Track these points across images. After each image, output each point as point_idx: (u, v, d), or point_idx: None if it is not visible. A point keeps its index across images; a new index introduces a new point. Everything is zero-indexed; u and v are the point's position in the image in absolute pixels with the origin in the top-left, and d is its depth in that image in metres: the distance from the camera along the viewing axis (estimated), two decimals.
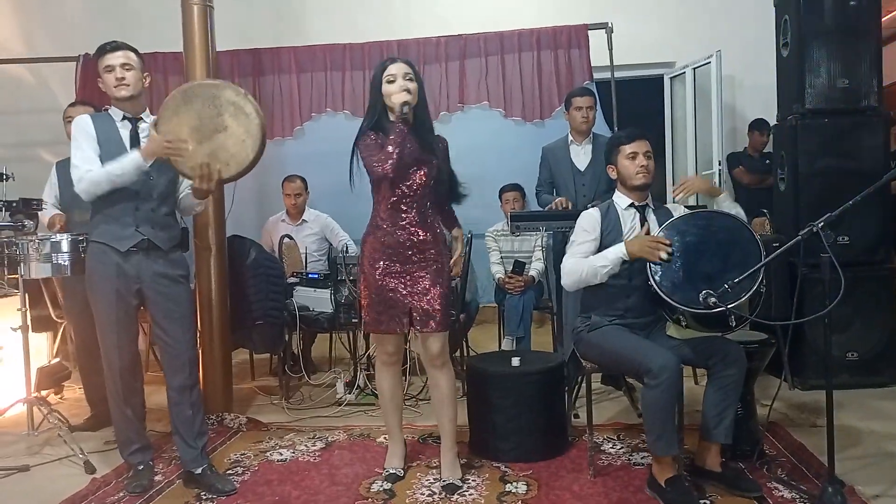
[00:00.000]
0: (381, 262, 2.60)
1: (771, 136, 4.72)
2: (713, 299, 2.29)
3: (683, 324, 2.57)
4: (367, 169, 2.56)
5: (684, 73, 5.85)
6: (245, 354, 4.44)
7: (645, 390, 2.43)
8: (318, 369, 4.51)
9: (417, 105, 2.55)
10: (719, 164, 5.46)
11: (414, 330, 2.61)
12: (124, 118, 2.66)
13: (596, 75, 5.08)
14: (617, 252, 2.54)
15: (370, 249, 2.64)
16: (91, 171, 2.54)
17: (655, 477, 2.48)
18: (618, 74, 5.05)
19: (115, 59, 2.59)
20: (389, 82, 2.54)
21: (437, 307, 2.59)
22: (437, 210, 2.72)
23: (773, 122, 4.34)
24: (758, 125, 5.59)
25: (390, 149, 2.46)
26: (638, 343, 2.53)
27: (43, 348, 4.22)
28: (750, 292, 2.34)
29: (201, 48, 3.58)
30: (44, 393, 3.84)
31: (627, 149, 2.66)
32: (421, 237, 2.61)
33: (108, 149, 2.58)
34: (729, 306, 2.29)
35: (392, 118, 2.52)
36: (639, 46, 5.74)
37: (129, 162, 2.52)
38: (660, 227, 2.60)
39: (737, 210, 2.63)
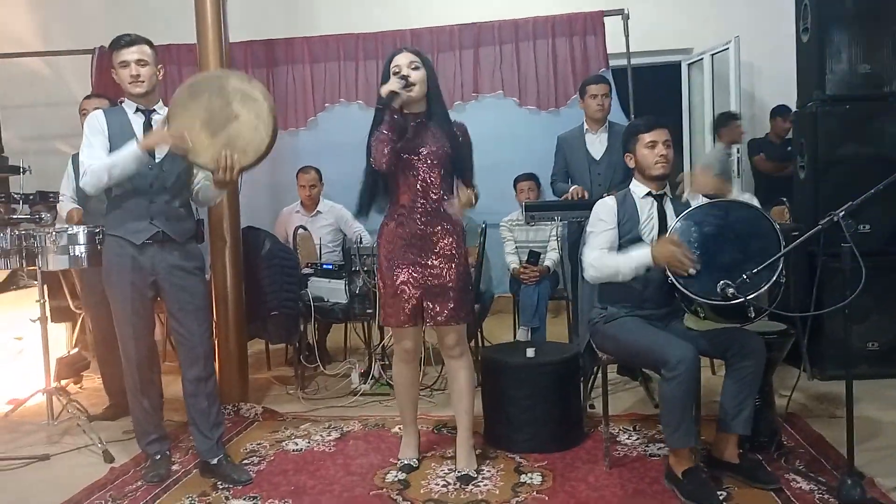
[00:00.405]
0: (397, 254, 2.59)
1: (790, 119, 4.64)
2: (731, 290, 2.26)
3: (701, 315, 2.54)
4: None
5: (702, 59, 5.78)
6: (261, 345, 4.46)
7: (662, 383, 2.40)
8: (334, 359, 4.53)
9: (429, 92, 2.53)
10: (738, 152, 5.39)
11: (431, 322, 2.60)
12: (137, 110, 2.66)
13: (612, 62, 5.02)
14: (642, 259, 2.48)
15: (385, 241, 2.63)
16: (93, 164, 2.55)
17: (672, 468, 2.46)
18: (634, 61, 4.99)
19: (130, 54, 2.59)
20: (395, 73, 2.52)
21: (454, 298, 2.58)
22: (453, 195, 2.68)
23: (793, 109, 4.27)
24: (780, 111, 5.50)
25: (385, 142, 2.44)
26: (655, 335, 2.50)
27: (62, 338, 4.27)
28: (769, 283, 2.30)
29: (214, 40, 3.58)
30: (63, 383, 3.90)
31: (647, 137, 2.61)
32: (436, 227, 2.59)
33: (122, 142, 2.58)
34: (747, 297, 2.25)
35: (405, 111, 2.50)
36: (655, 33, 5.67)
37: (126, 152, 2.52)
38: (677, 217, 2.56)
39: (753, 201, 2.59)
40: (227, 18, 3.62)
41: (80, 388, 4.14)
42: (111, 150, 2.58)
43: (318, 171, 4.63)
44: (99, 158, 2.56)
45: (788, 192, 4.20)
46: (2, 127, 5.29)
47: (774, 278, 2.31)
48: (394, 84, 2.46)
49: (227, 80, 2.56)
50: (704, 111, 5.81)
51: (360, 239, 4.17)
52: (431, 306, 2.58)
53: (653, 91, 5.74)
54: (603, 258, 2.57)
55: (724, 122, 5.24)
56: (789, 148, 5.25)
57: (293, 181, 4.76)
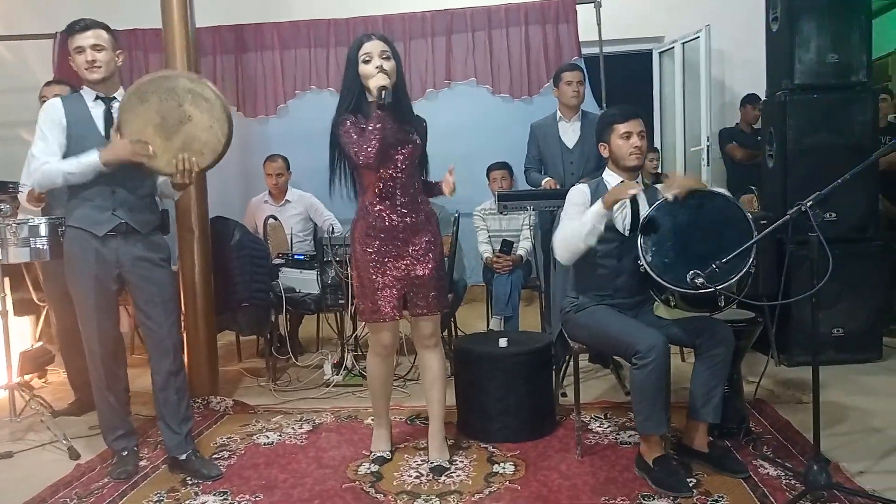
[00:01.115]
0: (373, 248, 2.55)
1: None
2: (700, 280, 2.26)
3: (672, 304, 2.55)
4: (348, 157, 2.50)
5: (673, 48, 5.80)
6: (231, 336, 4.41)
7: (633, 371, 2.42)
8: (306, 350, 4.49)
9: (396, 84, 2.47)
10: (707, 141, 5.43)
11: (408, 314, 2.57)
12: (97, 98, 2.58)
13: (584, 50, 5.02)
14: (594, 209, 2.48)
15: (360, 236, 2.58)
16: (48, 163, 2.47)
17: (643, 456, 2.48)
18: (606, 49, 5.00)
19: (86, 39, 2.50)
20: (365, 62, 2.46)
21: (431, 289, 2.56)
22: (424, 189, 2.66)
23: (762, 97, 4.30)
24: (750, 99, 5.54)
25: (371, 137, 2.38)
26: (626, 323, 2.51)
27: (26, 332, 4.16)
28: (739, 273, 2.31)
29: (181, 25, 3.50)
30: (27, 377, 3.81)
31: (622, 128, 2.60)
32: (412, 219, 2.56)
33: (80, 131, 2.51)
34: (717, 287, 2.27)
35: (370, 100, 2.45)
36: (627, 21, 5.68)
37: (87, 163, 2.44)
38: (650, 206, 2.57)
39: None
40: (193, 2, 3.54)
41: (45, 382, 4.06)
42: (70, 139, 2.51)
43: (285, 159, 4.56)
44: (53, 155, 2.48)
45: (758, 181, 4.25)
46: None
47: (745, 268, 2.33)
48: (382, 79, 2.39)
49: (175, 80, 2.48)
50: (675, 99, 5.84)
51: (332, 228, 4.13)
52: (412, 299, 2.56)
53: (624, 79, 5.76)
54: (563, 230, 2.56)
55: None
56: (759, 137, 5.32)
57: (263, 169, 4.69)
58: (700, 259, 2.36)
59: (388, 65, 2.45)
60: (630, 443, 2.77)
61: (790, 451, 2.63)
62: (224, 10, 5.37)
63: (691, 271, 2.30)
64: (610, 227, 2.58)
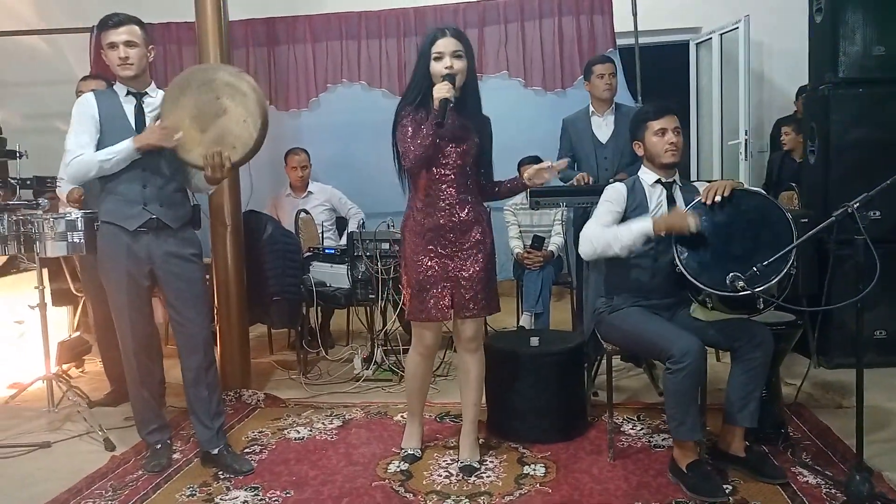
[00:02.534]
0: (423, 247, 2.52)
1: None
2: (741, 283, 2.20)
3: (709, 305, 2.49)
4: (397, 152, 2.51)
5: (711, 39, 5.66)
6: (263, 328, 4.44)
7: (667, 375, 2.37)
8: (336, 343, 4.51)
9: (466, 82, 2.44)
10: (746, 135, 5.30)
11: (455, 315, 2.53)
12: (129, 93, 2.60)
13: (619, 42, 4.92)
14: (642, 227, 2.42)
15: (410, 234, 2.55)
16: (82, 155, 2.49)
17: (677, 461, 2.44)
18: (642, 41, 4.89)
19: (118, 35, 2.50)
20: (437, 59, 2.41)
21: (479, 290, 2.52)
22: (480, 189, 2.61)
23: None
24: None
25: (422, 141, 2.37)
26: (660, 326, 2.46)
27: (64, 322, 4.24)
28: (780, 275, 2.25)
29: (214, 18, 3.51)
30: (65, 367, 3.88)
31: (656, 125, 2.55)
32: (462, 218, 2.51)
33: (112, 126, 2.53)
34: (757, 290, 2.20)
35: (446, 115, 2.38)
36: (664, 11, 5.56)
37: (121, 150, 2.47)
38: (687, 205, 2.51)
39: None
40: None
41: (82, 371, 4.13)
42: (102, 134, 2.53)
43: (306, 151, 4.59)
44: (86, 147, 2.50)
45: (797, 178, 4.14)
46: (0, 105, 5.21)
47: (785, 270, 2.26)
48: (445, 90, 2.34)
49: (215, 73, 2.51)
50: (712, 92, 5.71)
51: (363, 223, 4.13)
52: (461, 300, 2.52)
53: (660, 71, 5.64)
54: (598, 230, 2.51)
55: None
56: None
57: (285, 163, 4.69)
58: (736, 260, 2.30)
59: (459, 64, 2.41)
60: (663, 446, 2.73)
61: (830, 458, 2.57)
62: (256, 3, 5.38)
63: (731, 273, 2.25)
64: None
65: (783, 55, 5.56)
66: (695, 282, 2.35)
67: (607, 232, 2.49)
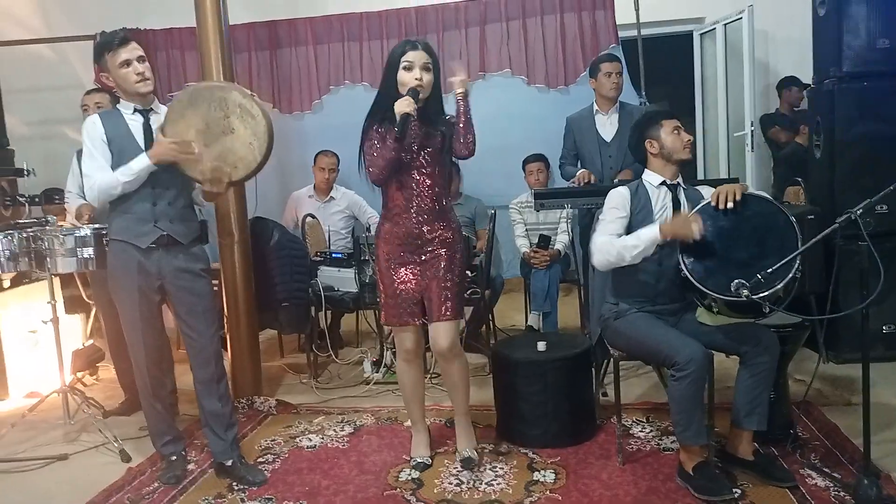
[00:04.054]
0: (394, 254, 2.59)
1: (805, 94, 4.52)
2: (745, 291, 2.21)
3: (715, 310, 2.50)
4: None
5: (714, 29, 5.63)
6: (273, 332, 4.47)
7: (671, 381, 2.38)
8: (346, 345, 4.54)
9: (430, 95, 2.49)
10: (752, 125, 5.28)
11: (429, 319, 2.59)
12: (135, 111, 2.61)
13: (621, 33, 4.89)
14: (650, 234, 2.43)
15: (382, 242, 2.62)
16: (102, 177, 2.52)
17: (683, 465, 2.46)
18: (645, 32, 4.87)
19: (131, 52, 2.52)
20: (406, 69, 2.46)
21: (451, 296, 2.56)
22: (448, 195, 2.66)
23: (808, 78, 4.15)
24: (789, 82, 5.36)
25: (386, 154, 2.43)
26: (665, 333, 2.47)
27: (77, 329, 4.29)
28: (785, 280, 2.25)
29: (214, 23, 3.52)
30: (79, 374, 3.93)
31: (671, 123, 2.58)
32: (432, 225, 2.57)
33: (121, 145, 2.55)
34: (762, 297, 2.21)
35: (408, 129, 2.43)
36: (667, 2, 5.52)
37: (139, 168, 2.50)
38: (692, 208, 2.51)
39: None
40: (226, 0, 3.55)
41: (97, 379, 4.18)
42: (113, 155, 2.55)
43: (336, 155, 4.57)
44: (102, 169, 2.53)
45: (803, 171, 4.12)
46: (6, 112, 5.22)
47: (790, 275, 2.26)
48: (407, 105, 2.38)
49: (229, 92, 2.55)
50: (717, 83, 5.68)
51: (370, 227, 4.15)
52: (431, 305, 2.57)
53: (664, 62, 5.62)
54: (610, 241, 2.52)
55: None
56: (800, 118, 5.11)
57: (300, 165, 4.71)
58: (741, 265, 2.31)
59: (428, 77, 2.46)
60: (672, 449, 2.74)
61: (839, 459, 2.58)
62: (257, 6, 5.39)
63: (736, 280, 2.25)
64: None
65: (788, 44, 5.53)
66: (700, 287, 2.36)
67: (616, 243, 2.50)
